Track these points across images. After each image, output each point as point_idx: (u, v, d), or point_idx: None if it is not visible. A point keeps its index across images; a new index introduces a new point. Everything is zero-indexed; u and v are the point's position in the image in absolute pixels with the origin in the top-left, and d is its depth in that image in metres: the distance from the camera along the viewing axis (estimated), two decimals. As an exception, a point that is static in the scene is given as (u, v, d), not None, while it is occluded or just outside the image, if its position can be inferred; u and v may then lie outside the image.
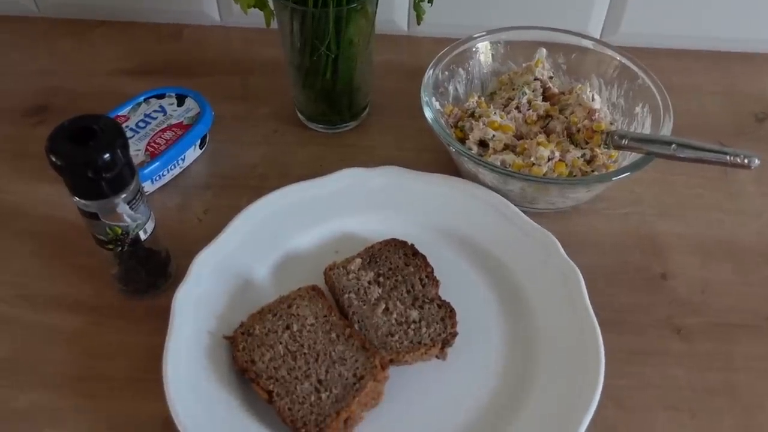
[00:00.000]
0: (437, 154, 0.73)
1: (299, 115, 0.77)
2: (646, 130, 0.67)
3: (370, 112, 0.78)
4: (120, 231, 0.54)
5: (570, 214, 0.68)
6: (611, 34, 0.87)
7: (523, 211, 0.63)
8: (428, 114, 0.65)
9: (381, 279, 0.59)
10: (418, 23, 0.68)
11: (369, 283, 0.58)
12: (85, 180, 0.50)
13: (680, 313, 0.61)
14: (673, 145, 0.58)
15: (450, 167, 0.70)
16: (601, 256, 0.65)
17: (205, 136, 0.72)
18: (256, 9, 0.66)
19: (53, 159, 0.48)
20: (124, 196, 0.52)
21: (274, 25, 0.68)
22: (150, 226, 0.57)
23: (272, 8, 0.67)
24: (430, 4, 0.67)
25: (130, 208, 0.53)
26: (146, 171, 0.67)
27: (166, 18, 0.90)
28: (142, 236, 0.56)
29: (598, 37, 0.87)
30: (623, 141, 0.62)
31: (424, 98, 0.67)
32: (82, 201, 0.52)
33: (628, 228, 0.67)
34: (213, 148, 0.74)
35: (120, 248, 0.56)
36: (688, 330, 0.60)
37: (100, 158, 0.49)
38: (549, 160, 0.64)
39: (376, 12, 0.67)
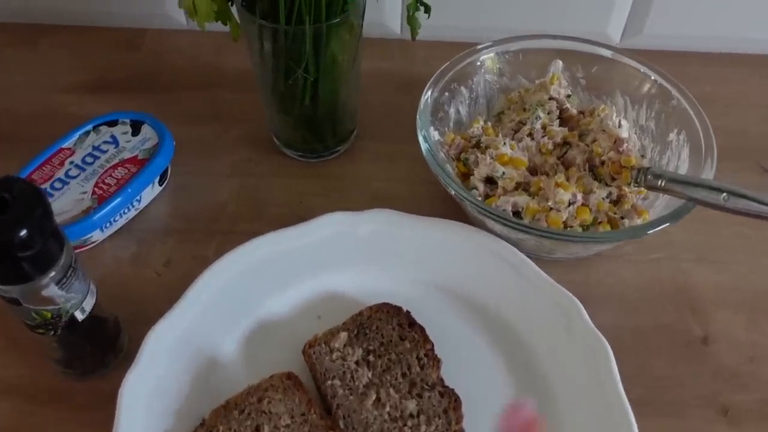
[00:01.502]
0: (436, 187, 0.62)
1: (275, 139, 0.66)
2: (683, 162, 0.57)
3: (358, 134, 0.68)
4: (50, 315, 0.44)
5: (591, 260, 0.58)
6: (634, 36, 0.76)
7: (538, 261, 0.53)
8: (425, 148, 0.55)
9: (371, 358, 0.49)
10: (413, 38, 0.57)
11: (357, 363, 0.49)
12: (-3, 263, 0.40)
13: (726, 387, 0.51)
14: (724, 194, 0.48)
15: (452, 204, 0.60)
16: (629, 314, 0.55)
17: (165, 170, 0.62)
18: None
19: (-48, 241, 0.38)
20: (51, 275, 0.42)
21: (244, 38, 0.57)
22: (89, 303, 0.47)
23: (238, 21, 0.56)
24: (427, 16, 0.56)
25: (60, 287, 0.43)
26: (94, 219, 0.56)
27: (125, 22, 0.79)
28: (79, 316, 0.46)
29: (618, 39, 0.76)
30: (659, 182, 0.52)
31: (421, 130, 0.56)
32: (-1, 285, 0.42)
33: (661, 278, 0.57)
34: (175, 182, 0.64)
35: (52, 332, 0.46)
36: (737, 410, 0.50)
37: (14, 237, 0.39)
38: (570, 204, 0.54)
39: (362, 23, 0.57)
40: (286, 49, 0.53)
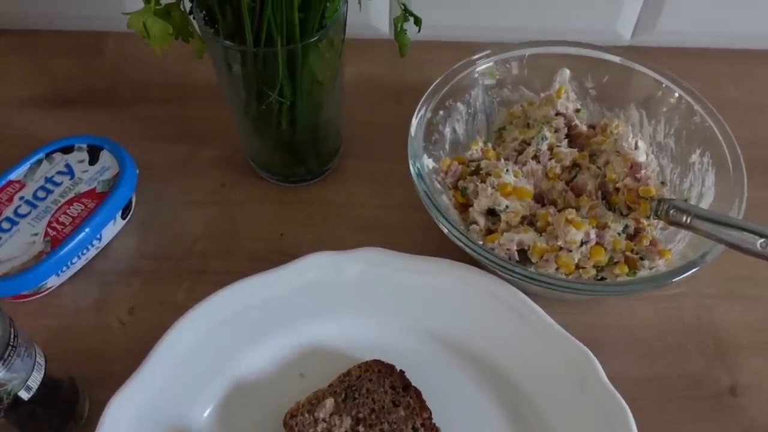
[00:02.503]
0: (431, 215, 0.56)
1: (251, 162, 0.60)
2: (709, 190, 0.50)
3: (343, 153, 0.61)
4: (-12, 400, 0.38)
5: (604, 299, 0.52)
6: (646, 32, 0.69)
7: (546, 301, 0.47)
8: (419, 185, 0.49)
9: (361, 428, 0.43)
10: (402, 54, 0.50)
11: (345, 436, 0.43)
12: None
13: (759, 447, 0.46)
14: (762, 240, 0.42)
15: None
16: (647, 362, 0.49)
17: (129, 202, 0.55)
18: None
19: None
20: (-16, 358, 0.36)
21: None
22: (36, 379, 0.41)
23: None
24: (417, 28, 0.49)
25: (-3, 370, 0.37)
26: (47, 264, 0.50)
27: (85, 24, 0.71)
28: (24, 395, 0.40)
29: (629, 37, 0.69)
30: (684, 218, 0.46)
31: (414, 162, 0.50)
32: None
33: (682, 317, 0.52)
34: (141, 212, 0.57)
35: (-6, 415, 0.40)
36: (771, 474, 0.45)
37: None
38: (583, 244, 0.47)
39: (344, 38, 0.49)
40: (256, 73, 0.46)
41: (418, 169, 0.49)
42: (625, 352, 0.50)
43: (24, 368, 0.39)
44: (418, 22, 0.48)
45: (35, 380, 0.41)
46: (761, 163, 0.54)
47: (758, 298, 0.52)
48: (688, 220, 0.46)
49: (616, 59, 0.56)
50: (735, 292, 0.53)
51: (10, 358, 0.38)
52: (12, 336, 0.38)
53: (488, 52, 0.55)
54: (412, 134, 0.50)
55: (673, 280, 0.44)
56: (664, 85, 0.54)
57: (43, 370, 0.42)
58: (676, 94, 0.53)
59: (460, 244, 0.46)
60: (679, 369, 0.49)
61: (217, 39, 0.45)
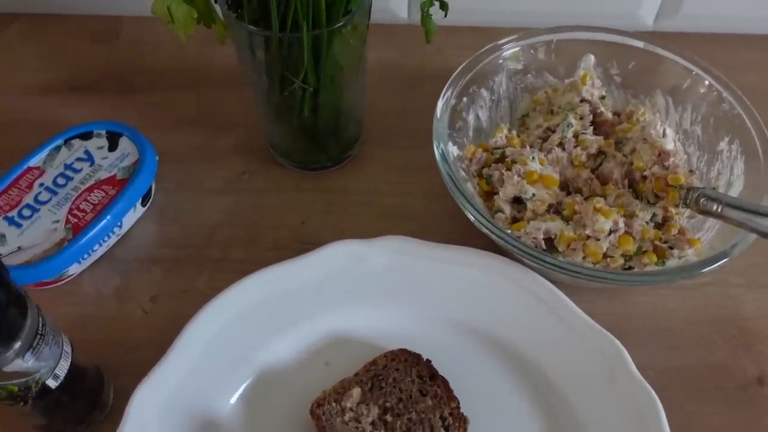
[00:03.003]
0: (455, 202, 0.55)
1: (271, 149, 0.59)
2: (738, 178, 0.50)
3: (364, 140, 0.60)
4: (17, 389, 0.38)
5: (630, 288, 0.52)
6: (669, 16, 0.68)
7: (573, 289, 0.47)
8: (444, 170, 0.48)
9: (389, 417, 0.43)
10: (428, 40, 0.49)
11: (373, 425, 0.43)
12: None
13: (788, 438, 0.46)
14: (797, 230, 0.41)
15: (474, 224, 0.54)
16: (675, 352, 0.49)
17: (149, 190, 0.55)
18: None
19: None
20: (15, 347, 0.36)
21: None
22: (63, 367, 0.41)
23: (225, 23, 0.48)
24: (444, 13, 0.48)
25: (26, 358, 0.37)
26: (68, 252, 0.50)
27: (100, 8, 0.70)
28: (52, 384, 0.40)
29: (651, 22, 0.68)
30: (715, 207, 0.45)
31: (438, 146, 0.49)
32: (-49, 364, 0.35)
33: (708, 307, 0.51)
34: (161, 200, 0.57)
35: (22, 403, 0.40)
36: (800, 464, 0.45)
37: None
38: (611, 233, 0.47)
39: (368, 24, 0.49)
40: (281, 59, 0.45)
41: (442, 151, 0.48)
42: (650, 342, 0.49)
43: (52, 357, 0.39)
44: (444, 6, 0.47)
45: (62, 368, 0.40)
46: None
47: (785, 288, 0.52)
48: (719, 209, 0.45)
49: (641, 44, 0.55)
50: (760, 281, 0.52)
51: (38, 346, 0.38)
52: (40, 324, 0.38)
53: (515, 36, 0.55)
54: (438, 116, 0.50)
55: (703, 270, 0.43)
56: (694, 73, 0.53)
57: (70, 359, 0.41)
58: (706, 82, 0.53)
59: (487, 231, 0.46)
60: (705, 359, 0.49)
61: (242, 24, 0.44)
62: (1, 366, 0.36)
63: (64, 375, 0.41)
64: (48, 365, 0.39)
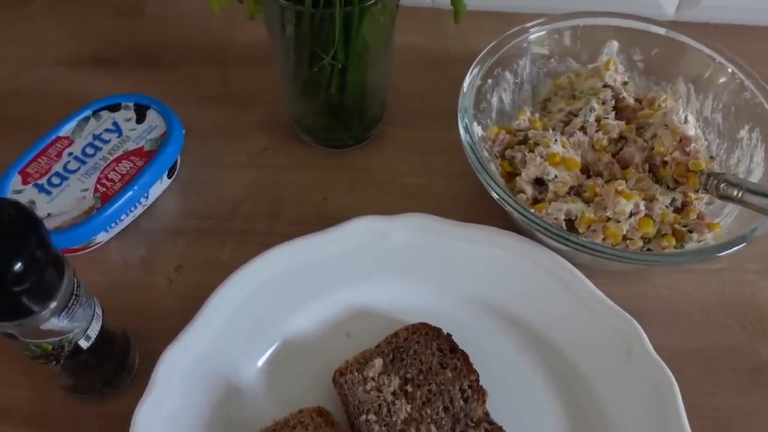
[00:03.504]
0: (475, 183, 0.55)
1: (295, 125, 0.60)
2: (757, 166, 0.51)
3: (387, 120, 0.61)
4: (51, 347, 0.39)
5: (648, 271, 0.53)
6: (691, 7, 0.68)
7: (591, 271, 0.48)
8: (467, 142, 0.49)
9: (409, 388, 0.44)
10: (457, 20, 0.50)
11: (394, 395, 0.44)
12: (-13, 301, 0.35)
13: (800, 421, 0.47)
14: (817, 215, 0.42)
15: (494, 205, 0.54)
16: (691, 335, 0.50)
17: (174, 163, 0.56)
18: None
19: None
20: (52, 307, 0.37)
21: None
22: (95, 329, 0.42)
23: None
24: (472, -7, 0.49)
25: (61, 318, 0.38)
26: (97, 220, 0.51)
27: (124, -17, 0.71)
28: (84, 344, 0.41)
29: (672, 12, 0.69)
30: (736, 192, 0.46)
31: (463, 121, 0.50)
32: (-9, 321, 0.36)
33: (724, 292, 0.52)
34: (185, 174, 0.58)
35: (54, 362, 0.41)
36: (811, 447, 0.46)
37: (7, 272, 0.33)
38: (631, 215, 0.48)
39: (398, 4, 0.49)
40: (311, 34, 0.46)
41: (467, 125, 0.49)
42: (667, 324, 0.50)
43: (85, 318, 0.40)
44: (474, -13, 0.48)
45: (94, 330, 0.42)
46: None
47: (800, 275, 0.53)
48: (740, 195, 0.46)
49: (665, 32, 0.56)
50: (776, 269, 0.53)
51: (73, 307, 0.39)
52: (75, 286, 0.39)
53: (541, 20, 0.55)
54: (464, 91, 0.50)
55: (722, 254, 0.44)
56: (716, 61, 0.54)
57: (101, 321, 0.42)
58: (729, 70, 0.53)
59: (510, 209, 0.46)
60: (720, 343, 0.50)
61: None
62: (38, 324, 0.37)
63: (95, 336, 0.42)
64: (81, 326, 0.40)
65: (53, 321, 0.38)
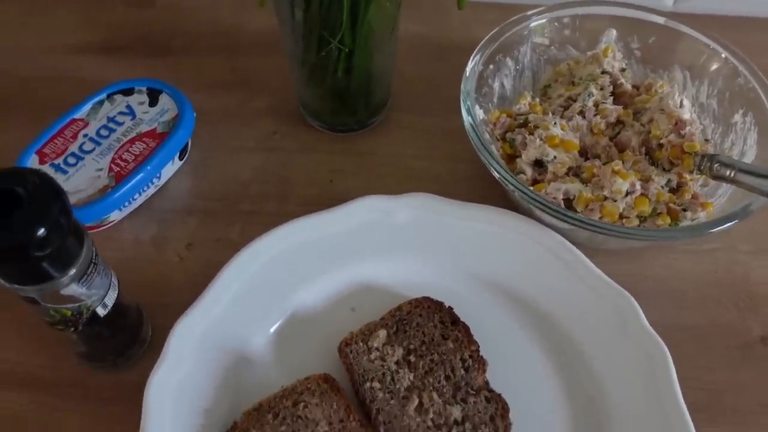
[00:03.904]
0: (476, 166, 0.58)
1: (303, 111, 0.62)
2: (750, 148, 0.52)
3: (391, 106, 0.63)
4: (70, 313, 0.41)
5: (644, 250, 0.54)
6: (688, -1, 0.70)
7: (588, 250, 0.49)
8: (469, 123, 0.50)
9: (412, 358, 0.46)
10: (460, 6, 0.51)
11: (397, 364, 0.45)
12: (12, 265, 0.36)
13: (789, 394, 0.48)
14: (805, 192, 0.43)
15: (495, 186, 0.56)
16: (685, 312, 0.52)
17: (185, 145, 0.57)
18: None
19: (-38, 241, 0.34)
20: (71, 273, 0.39)
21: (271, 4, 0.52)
22: (111, 297, 0.43)
23: (266, -16, 0.50)
24: (475, -19, 0.51)
25: (80, 285, 0.40)
26: (111, 198, 0.52)
27: (136, -26, 0.73)
28: (101, 312, 0.43)
29: (671, 2, 0.70)
30: (728, 172, 0.48)
31: (465, 103, 0.51)
32: (15, 285, 0.38)
33: (717, 271, 0.54)
34: (196, 157, 0.60)
35: (72, 329, 0.43)
36: (800, 418, 0.47)
37: (31, 237, 0.35)
38: (628, 194, 0.49)
39: (403, -11, 0.51)
40: (320, 19, 0.48)
41: (469, 107, 0.51)
42: (662, 302, 0.52)
43: (102, 286, 0.42)
44: (476, -26, 0.50)
45: (111, 298, 0.43)
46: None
47: (791, 256, 0.54)
48: (732, 174, 0.47)
49: (667, 22, 0.57)
50: (765, 249, 0.55)
51: (91, 275, 0.40)
52: (94, 255, 0.41)
53: (542, 8, 0.57)
54: (467, 75, 0.52)
55: (713, 230, 0.46)
56: (711, 47, 0.55)
57: (117, 291, 0.44)
58: (723, 56, 0.55)
59: (511, 188, 0.48)
60: (713, 319, 0.51)
61: (285, -17, 0.47)
62: (58, 289, 0.39)
63: (111, 304, 0.43)
64: (98, 294, 0.42)
65: (72, 287, 0.39)
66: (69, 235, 0.37)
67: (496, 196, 0.55)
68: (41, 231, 0.35)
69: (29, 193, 0.36)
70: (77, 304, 0.41)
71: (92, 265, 0.40)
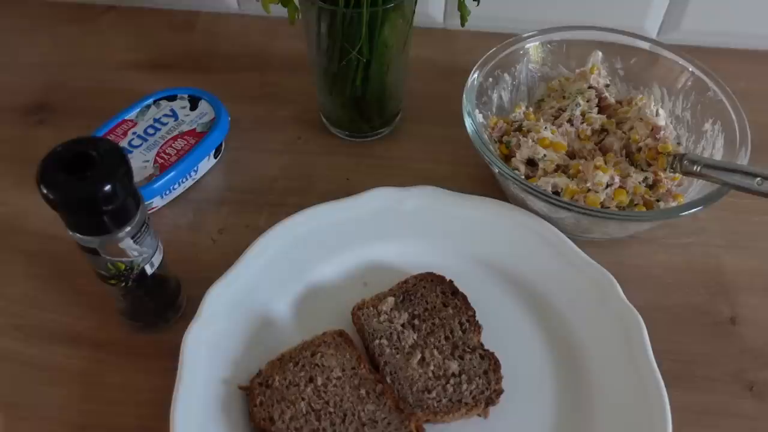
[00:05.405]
0: (478, 170, 0.65)
1: (324, 119, 0.70)
2: (718, 151, 0.59)
3: (403, 117, 0.71)
4: (123, 267, 0.48)
5: (625, 243, 0.61)
6: (671, 31, 0.78)
7: (575, 241, 0.56)
8: (470, 128, 0.58)
9: (416, 322, 0.52)
10: (462, 24, 0.60)
11: (403, 326, 0.52)
12: (82, 215, 0.44)
13: (752, 365, 0.54)
14: (758, 179, 0.50)
15: (493, 185, 0.63)
16: (661, 294, 0.58)
17: (220, 144, 0.65)
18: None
19: (45, 192, 0.42)
20: (127, 229, 0.46)
21: (299, 22, 0.60)
22: (158, 259, 0.50)
23: (297, 4, 0.59)
24: (476, 3, 0.59)
25: (134, 242, 0.47)
26: (155, 186, 0.60)
27: (179, 4, 0.83)
28: (149, 270, 0.50)
29: (655, 35, 0.79)
30: (695, 167, 0.54)
31: (467, 108, 0.59)
32: (80, 235, 0.45)
33: (691, 261, 0.60)
34: (229, 156, 0.67)
35: (124, 284, 0.50)
36: (762, 386, 0.53)
37: (99, 191, 0.42)
38: (608, 186, 0.56)
39: (414, 10, 0.60)
40: (342, 32, 0.56)
41: (469, 112, 0.58)
42: (641, 286, 0.57)
43: (151, 246, 0.49)
44: (477, -3, 0.58)
45: (157, 259, 0.50)
46: (765, 142, 0.62)
47: (756, 249, 0.61)
48: (699, 169, 0.54)
49: (646, 45, 0.65)
50: (737, 244, 0.61)
51: (144, 234, 0.48)
52: (146, 216, 0.48)
53: (536, 32, 0.65)
54: (468, 87, 0.60)
55: (683, 213, 0.52)
56: (686, 68, 0.63)
57: (162, 254, 0.51)
58: (694, 74, 0.62)
59: (510, 180, 0.55)
60: (687, 301, 0.57)
61: (315, 1, 0.55)
62: (117, 243, 0.46)
63: (158, 265, 0.50)
64: (148, 252, 0.49)
65: (128, 242, 0.46)
66: (129, 195, 0.45)
67: (494, 194, 0.61)
68: (108, 187, 0.42)
69: (100, 156, 0.43)
70: (130, 260, 0.48)
71: (144, 225, 0.47)
